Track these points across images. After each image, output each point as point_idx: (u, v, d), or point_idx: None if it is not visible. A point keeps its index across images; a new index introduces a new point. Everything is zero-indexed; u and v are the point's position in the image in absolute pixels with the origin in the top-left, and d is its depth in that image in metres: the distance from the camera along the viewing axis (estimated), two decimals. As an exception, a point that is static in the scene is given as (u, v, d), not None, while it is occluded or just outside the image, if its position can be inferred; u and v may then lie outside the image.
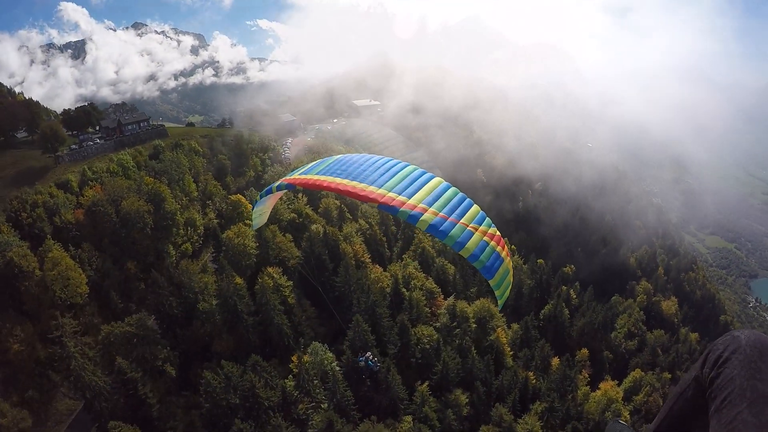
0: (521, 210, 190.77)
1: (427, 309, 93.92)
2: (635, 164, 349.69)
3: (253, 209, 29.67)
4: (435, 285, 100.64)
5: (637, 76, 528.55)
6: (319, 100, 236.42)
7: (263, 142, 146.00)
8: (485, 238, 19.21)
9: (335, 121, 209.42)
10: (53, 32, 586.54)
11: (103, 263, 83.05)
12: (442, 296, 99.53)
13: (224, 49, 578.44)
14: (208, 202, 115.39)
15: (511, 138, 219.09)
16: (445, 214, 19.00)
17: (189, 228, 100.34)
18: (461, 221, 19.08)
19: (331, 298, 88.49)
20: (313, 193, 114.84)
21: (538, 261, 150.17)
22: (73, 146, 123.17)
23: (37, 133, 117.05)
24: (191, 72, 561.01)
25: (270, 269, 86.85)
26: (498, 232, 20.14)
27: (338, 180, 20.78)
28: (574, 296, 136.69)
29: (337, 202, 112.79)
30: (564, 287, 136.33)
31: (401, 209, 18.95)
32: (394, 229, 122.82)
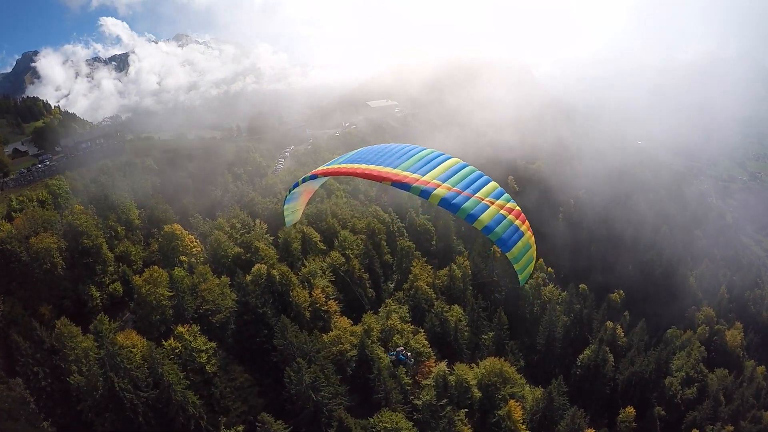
0: (561, 223, 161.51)
1: (406, 379, 68.53)
2: (689, 163, 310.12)
3: (283, 206, 29.37)
4: (426, 342, 74.69)
5: (690, 67, 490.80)
6: (338, 104, 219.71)
7: (241, 153, 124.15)
8: (502, 212, 19.96)
9: (347, 125, 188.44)
10: (98, 46, 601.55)
11: (11, 308, 66.65)
12: (434, 358, 73.51)
13: (265, 57, 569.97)
14: (154, 230, 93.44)
15: (547, 139, 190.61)
16: (458, 189, 19.76)
17: (121, 264, 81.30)
18: (476, 195, 19.83)
19: (270, 364, 66.87)
20: (276, 220, 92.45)
21: (581, 287, 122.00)
22: (23, 170, 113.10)
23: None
24: (233, 80, 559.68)
25: (181, 328, 65.72)
26: (517, 207, 20.51)
27: (356, 166, 22.25)
28: (622, 334, 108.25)
29: (306, 228, 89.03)
30: (610, 323, 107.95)
31: (414, 185, 19.94)
32: (390, 258, 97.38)
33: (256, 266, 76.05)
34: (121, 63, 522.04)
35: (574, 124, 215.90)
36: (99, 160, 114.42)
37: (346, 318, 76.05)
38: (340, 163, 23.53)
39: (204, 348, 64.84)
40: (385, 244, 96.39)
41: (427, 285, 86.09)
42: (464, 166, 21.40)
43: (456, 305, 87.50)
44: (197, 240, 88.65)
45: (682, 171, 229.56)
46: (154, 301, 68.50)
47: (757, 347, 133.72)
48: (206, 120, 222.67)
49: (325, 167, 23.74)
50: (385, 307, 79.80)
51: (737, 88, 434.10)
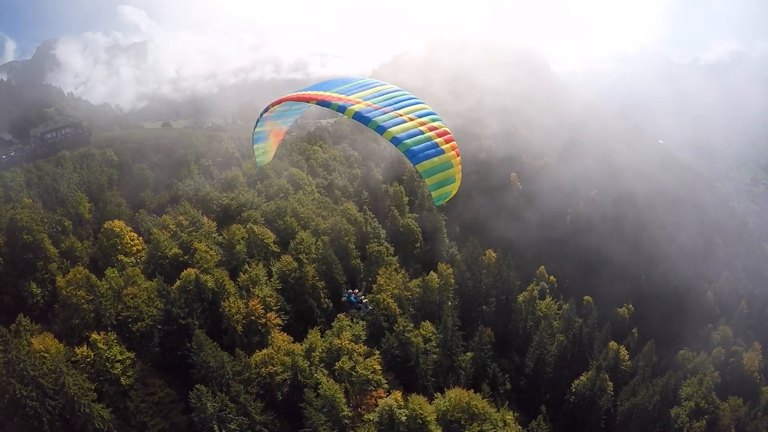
0: (568, 227, 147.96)
1: (347, 412, 57.37)
2: (710, 164, 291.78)
3: (253, 145, 27.02)
4: (378, 366, 63.35)
5: (715, 66, 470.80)
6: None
7: (212, 143, 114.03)
8: (422, 128, 18.66)
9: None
10: (118, 34, 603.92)
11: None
12: (383, 387, 62.03)
13: (284, 46, 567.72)
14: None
15: (559, 135, 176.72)
16: (379, 106, 19.02)
17: (66, 261, 74.32)
18: (396, 112, 18.82)
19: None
20: (228, 217, 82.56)
21: (585, 299, 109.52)
22: None
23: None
24: (251, 69, 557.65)
25: (95, 335, 59.20)
26: (446, 128, 19.35)
27: (301, 93, 21.49)
28: (627, 357, 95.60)
29: (257, 227, 78.39)
30: (613, 344, 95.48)
31: (333, 102, 19.52)
32: (358, 264, 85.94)
33: (186, 271, 66.92)
34: (139, 51, 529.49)
35: (591, 121, 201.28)
36: (59, 150, 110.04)
37: (285, 334, 65.87)
38: (297, 92, 22.45)
39: (120, 358, 58.98)
40: (353, 247, 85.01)
41: (391, 298, 74.41)
42: (399, 91, 20.51)
43: (427, 322, 75.91)
44: (140, 238, 79.54)
45: (703, 173, 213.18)
46: (76, 304, 61.64)
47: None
48: (225, 108, 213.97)
49: (283, 97, 22.48)
50: (337, 322, 68.54)
51: (763, 89, 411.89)
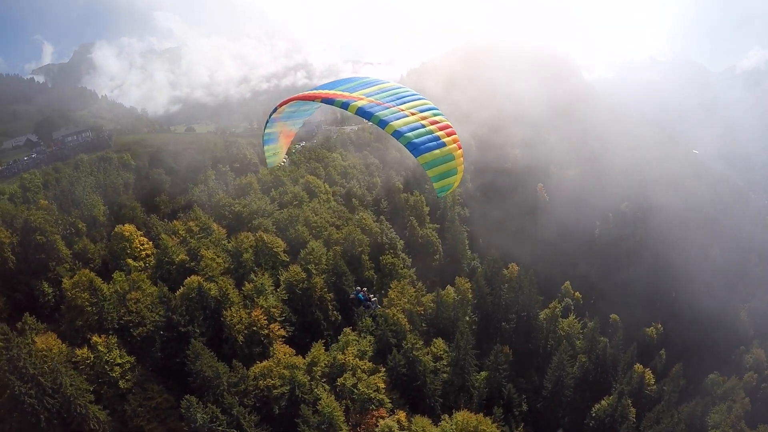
0: (597, 240, 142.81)
1: (345, 430, 54.92)
2: (745, 176, 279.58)
3: (263, 147, 27.10)
4: (382, 385, 60.56)
5: (752, 74, 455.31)
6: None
7: (230, 149, 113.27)
8: (423, 122, 19.19)
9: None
10: (153, 39, 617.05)
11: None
12: (386, 407, 59.14)
13: (317, 53, 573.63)
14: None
15: (589, 144, 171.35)
16: (381, 102, 19.60)
17: (78, 262, 75.20)
18: (399, 107, 19.37)
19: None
20: (240, 224, 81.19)
21: (611, 317, 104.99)
22: (10, 162, 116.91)
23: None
24: (284, 75, 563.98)
25: (96, 338, 59.48)
26: (447, 122, 19.78)
27: (309, 92, 21.99)
28: (653, 380, 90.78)
29: (266, 235, 76.59)
30: (639, 366, 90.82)
31: (337, 99, 20.00)
32: (371, 276, 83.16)
33: (189, 278, 66.42)
34: (173, 55, 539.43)
35: (622, 130, 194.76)
36: (78, 153, 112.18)
37: (288, 346, 64.28)
38: (308, 91, 22.84)
39: (119, 362, 59.52)
40: (367, 258, 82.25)
41: (402, 313, 71.50)
42: (401, 88, 20.85)
43: (440, 339, 72.78)
44: (150, 243, 78.94)
45: (739, 185, 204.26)
46: (81, 306, 62.28)
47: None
48: (257, 113, 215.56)
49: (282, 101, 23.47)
50: (344, 336, 66.08)
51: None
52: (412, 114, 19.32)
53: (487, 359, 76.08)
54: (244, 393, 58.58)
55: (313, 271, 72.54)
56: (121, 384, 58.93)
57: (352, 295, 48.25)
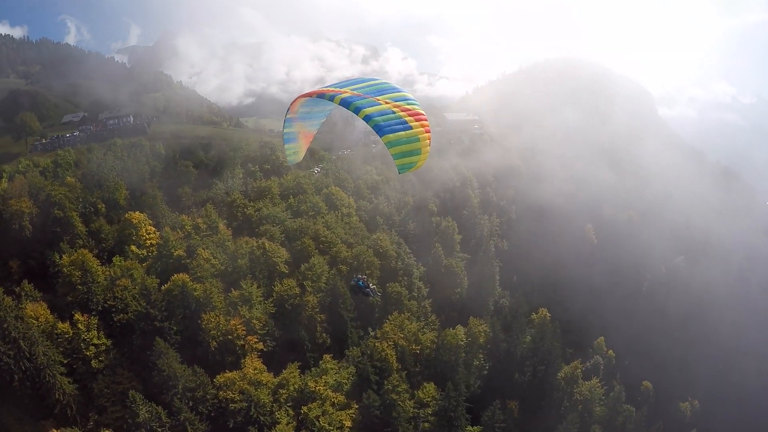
0: (643, 298, 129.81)
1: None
2: None
3: (284, 145, 28.98)
4: (349, 424, 55.59)
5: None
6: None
7: (264, 150, 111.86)
8: (395, 109, 21.08)
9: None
10: (236, 33, 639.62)
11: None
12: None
13: (394, 61, 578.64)
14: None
15: (652, 186, 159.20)
16: (362, 94, 21.61)
17: (92, 240, 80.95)
18: (376, 98, 21.30)
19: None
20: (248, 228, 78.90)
21: (644, 384, 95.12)
22: (54, 137, 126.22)
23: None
24: None
25: (79, 316, 63.14)
26: (422, 112, 21.59)
27: (310, 91, 23.56)
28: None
29: (267, 244, 73.43)
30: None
31: (327, 93, 21.92)
32: (376, 301, 77.54)
33: (176, 276, 67.09)
34: (254, 50, 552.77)
35: (692, 174, 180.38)
36: (114, 137, 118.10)
37: (260, 362, 62.98)
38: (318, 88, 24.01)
39: (96, 342, 62.91)
40: (375, 282, 77.34)
41: (392, 348, 65.83)
42: (386, 84, 22.86)
43: (431, 383, 66.60)
44: (157, 233, 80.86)
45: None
46: (73, 283, 67.02)
47: None
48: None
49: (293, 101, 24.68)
50: (324, 362, 61.65)
51: None
52: (386, 103, 21.04)
53: (483, 413, 69.10)
54: (201, 400, 58.47)
55: (309, 288, 69.02)
56: (94, 363, 61.93)
57: (352, 282, 51.39)
